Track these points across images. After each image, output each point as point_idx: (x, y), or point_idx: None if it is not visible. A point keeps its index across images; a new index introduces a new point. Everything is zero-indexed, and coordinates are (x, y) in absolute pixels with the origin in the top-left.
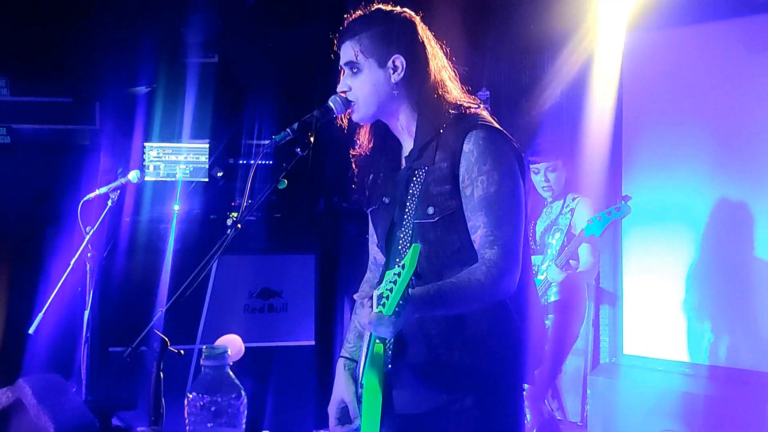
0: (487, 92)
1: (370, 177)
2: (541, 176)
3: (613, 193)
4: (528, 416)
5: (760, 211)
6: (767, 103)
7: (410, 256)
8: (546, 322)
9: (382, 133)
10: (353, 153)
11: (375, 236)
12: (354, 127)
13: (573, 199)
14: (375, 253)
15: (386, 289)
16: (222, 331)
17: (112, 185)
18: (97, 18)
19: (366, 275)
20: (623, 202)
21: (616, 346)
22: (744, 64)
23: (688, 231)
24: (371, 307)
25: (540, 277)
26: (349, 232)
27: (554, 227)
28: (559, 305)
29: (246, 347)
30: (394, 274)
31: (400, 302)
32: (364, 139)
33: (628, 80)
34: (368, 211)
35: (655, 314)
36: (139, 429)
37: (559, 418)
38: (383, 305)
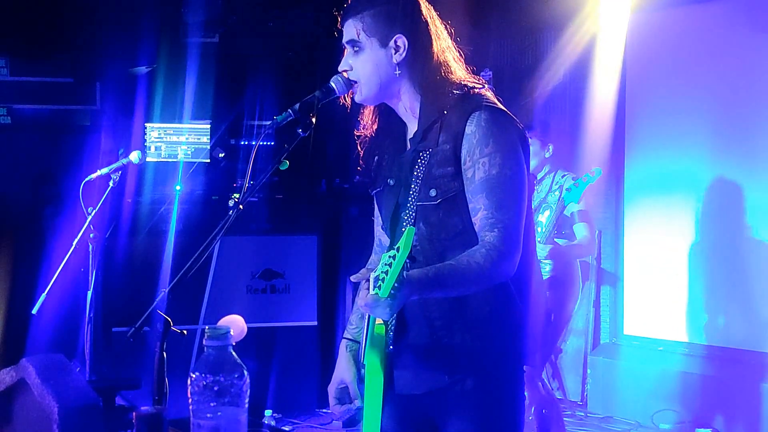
0: (490, 72)
1: (376, 159)
2: None
3: (616, 173)
4: (525, 394)
5: (760, 192)
6: None
7: (405, 239)
8: None
9: (387, 114)
10: (358, 134)
11: (380, 218)
12: (357, 107)
13: (563, 177)
14: (380, 235)
15: (382, 272)
16: (224, 311)
17: (114, 166)
18: None
19: (371, 258)
20: (594, 168)
21: (617, 327)
22: (748, 43)
23: (689, 213)
24: (368, 289)
25: None
26: (351, 213)
27: (543, 205)
28: (551, 282)
29: (249, 328)
30: (390, 256)
31: (396, 285)
32: (368, 120)
33: (631, 60)
34: (373, 193)
35: (655, 295)
36: (142, 408)
37: (559, 397)
38: (379, 288)
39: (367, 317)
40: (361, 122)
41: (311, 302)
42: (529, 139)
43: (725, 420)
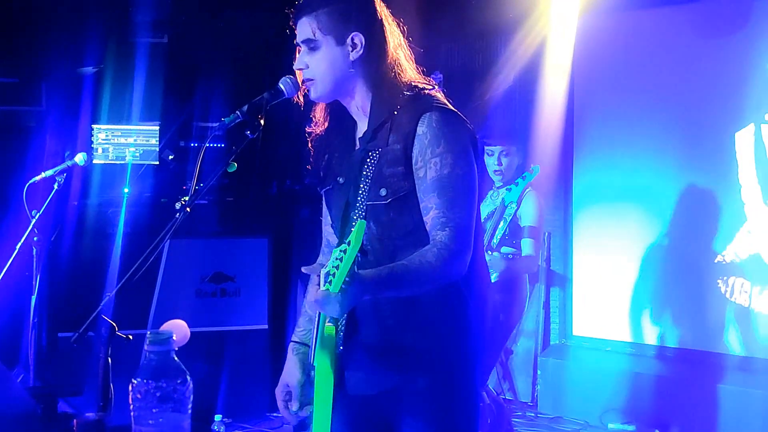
0: (441, 75)
1: (326, 157)
2: (494, 159)
3: (565, 176)
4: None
5: (708, 195)
6: (716, 87)
7: (356, 233)
8: None
9: (338, 112)
10: (309, 130)
11: (329, 217)
12: (309, 108)
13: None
14: (328, 235)
15: (333, 267)
16: (173, 315)
17: (59, 168)
18: None
19: (318, 259)
20: (532, 166)
21: (566, 328)
22: (694, 48)
23: (637, 214)
24: (318, 285)
25: None
26: (301, 216)
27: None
28: (497, 286)
29: (199, 332)
30: (340, 251)
31: (347, 279)
32: (320, 117)
33: (580, 63)
34: (322, 192)
35: (603, 296)
36: (86, 414)
37: (510, 398)
38: (330, 282)
39: (317, 318)
40: (313, 119)
41: (262, 305)
42: (511, 148)
43: (672, 419)
